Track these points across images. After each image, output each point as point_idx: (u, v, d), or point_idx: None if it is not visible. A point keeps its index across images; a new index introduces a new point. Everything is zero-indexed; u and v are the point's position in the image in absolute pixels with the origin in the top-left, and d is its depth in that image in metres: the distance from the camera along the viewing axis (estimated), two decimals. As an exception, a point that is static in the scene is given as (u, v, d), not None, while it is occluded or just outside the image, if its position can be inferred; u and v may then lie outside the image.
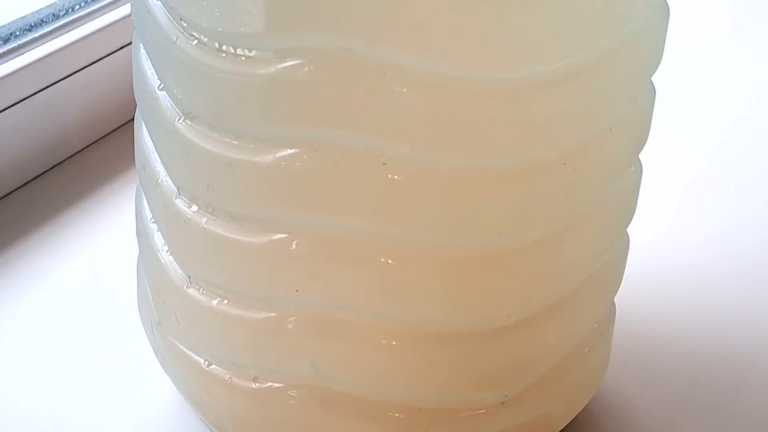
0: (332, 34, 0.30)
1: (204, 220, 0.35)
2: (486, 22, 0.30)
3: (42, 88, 0.53)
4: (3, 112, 0.52)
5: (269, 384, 0.37)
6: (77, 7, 0.57)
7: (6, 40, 0.53)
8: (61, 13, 0.56)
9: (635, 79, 0.36)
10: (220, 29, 0.32)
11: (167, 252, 0.37)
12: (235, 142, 0.33)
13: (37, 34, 0.54)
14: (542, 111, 0.32)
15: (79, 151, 0.56)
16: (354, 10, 0.30)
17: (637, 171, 0.39)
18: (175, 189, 0.35)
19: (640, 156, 0.39)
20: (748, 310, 0.50)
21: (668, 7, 0.36)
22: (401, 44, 0.30)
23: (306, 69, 0.31)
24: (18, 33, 0.54)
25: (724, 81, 0.70)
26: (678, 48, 0.59)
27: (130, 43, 0.38)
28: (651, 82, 0.37)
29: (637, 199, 0.39)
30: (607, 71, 0.34)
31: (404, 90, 0.31)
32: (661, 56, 0.36)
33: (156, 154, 0.36)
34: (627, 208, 0.39)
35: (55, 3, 0.56)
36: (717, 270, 0.52)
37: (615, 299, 0.41)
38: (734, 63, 0.72)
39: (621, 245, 0.40)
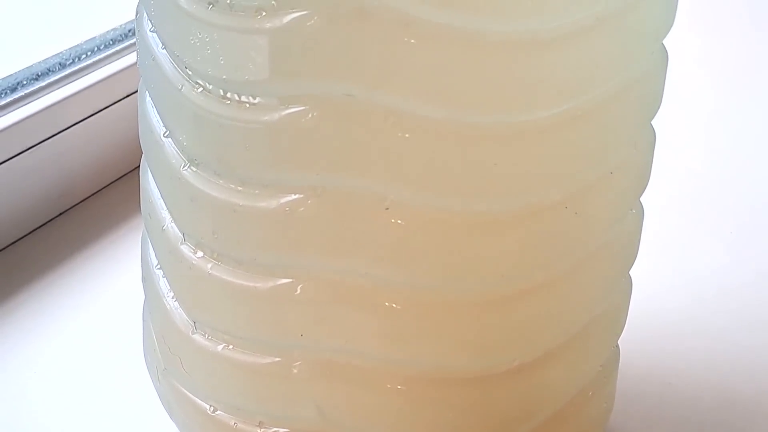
0: (335, 81, 0.31)
1: (209, 265, 0.35)
2: (487, 69, 0.31)
3: (48, 136, 0.54)
4: (10, 161, 0.52)
5: (274, 429, 0.37)
6: (83, 56, 0.57)
7: (13, 89, 0.53)
8: (68, 63, 0.56)
9: (635, 124, 0.36)
10: (224, 77, 0.32)
11: (172, 298, 0.37)
12: (239, 188, 0.33)
13: (44, 83, 0.54)
14: (543, 155, 0.33)
15: (85, 199, 0.57)
16: (356, 58, 0.30)
17: (638, 214, 0.39)
18: (181, 235, 0.36)
19: (642, 199, 0.39)
20: (752, 353, 0.50)
21: (667, 53, 0.36)
22: (403, 90, 0.31)
23: (309, 115, 0.31)
24: (25, 82, 0.54)
25: (724, 124, 0.70)
26: (678, 92, 0.60)
27: (136, 92, 0.38)
28: (651, 126, 0.37)
29: (639, 241, 0.39)
30: (608, 116, 0.34)
31: (406, 135, 0.31)
32: (661, 101, 0.37)
33: (161, 200, 0.37)
34: (629, 251, 0.39)
35: (61, 52, 0.56)
36: (721, 313, 0.52)
37: (619, 342, 0.41)
38: (734, 107, 0.73)
39: (624, 288, 0.40)
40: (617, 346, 0.41)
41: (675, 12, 0.36)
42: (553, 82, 0.32)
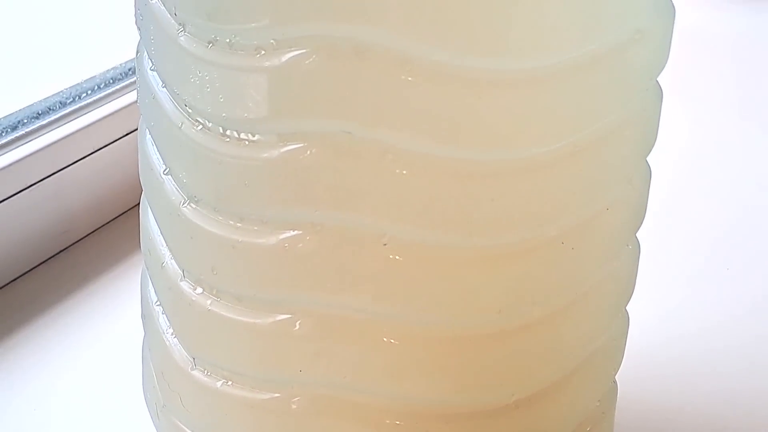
0: (333, 118, 0.31)
1: (209, 302, 0.35)
2: (483, 106, 0.31)
3: (49, 174, 0.54)
4: (11, 199, 0.53)
5: (274, 464, 0.37)
6: (84, 95, 0.58)
7: (14, 128, 0.54)
8: (68, 101, 0.56)
9: (631, 160, 0.36)
10: (224, 114, 0.32)
11: (172, 334, 0.38)
12: (239, 225, 0.33)
13: (44, 122, 0.55)
14: (540, 191, 0.33)
15: (86, 236, 0.57)
16: (354, 96, 0.31)
17: (635, 250, 0.39)
18: (180, 272, 0.36)
19: (638, 235, 0.39)
20: (749, 390, 0.50)
21: (661, 90, 0.37)
22: (400, 128, 0.31)
23: (308, 152, 0.32)
24: (26, 120, 0.54)
25: (719, 159, 0.70)
26: (673, 128, 0.60)
27: (135, 130, 0.38)
28: (646, 162, 0.38)
29: (635, 277, 0.40)
30: (603, 152, 0.34)
31: (404, 172, 0.31)
32: (656, 137, 0.37)
33: (161, 237, 0.37)
34: (626, 287, 0.39)
35: (62, 91, 0.57)
36: (718, 349, 0.52)
37: (617, 377, 0.41)
38: (730, 142, 0.73)
39: (621, 323, 0.40)
40: (615, 381, 0.42)
41: (669, 50, 0.36)
42: (549, 120, 0.32)
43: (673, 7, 0.36)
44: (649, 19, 0.34)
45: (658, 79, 0.36)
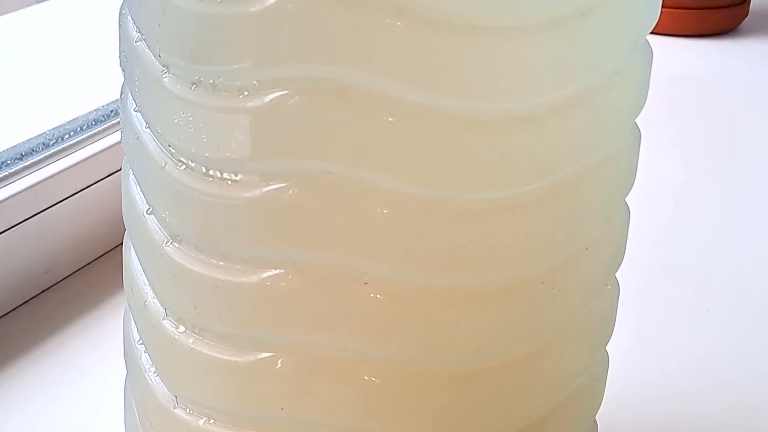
0: (315, 158, 0.31)
1: (191, 340, 0.35)
2: (463, 147, 0.32)
3: (33, 214, 0.54)
4: (-7, 239, 0.53)
5: (255, 503, 0.37)
6: (67, 136, 0.58)
7: (-3, 169, 0.54)
8: (52, 143, 0.57)
9: (610, 201, 0.37)
10: (207, 155, 0.33)
11: (154, 373, 0.38)
12: (221, 263, 0.34)
13: (27, 163, 0.55)
14: (519, 231, 0.33)
15: (68, 276, 0.57)
16: (336, 136, 0.31)
17: (614, 290, 0.40)
18: (163, 310, 0.36)
19: (618, 275, 0.40)
20: (730, 429, 0.50)
21: (639, 131, 0.37)
22: (382, 168, 0.31)
23: (290, 192, 0.32)
24: (9, 162, 0.55)
25: (701, 201, 0.71)
26: (653, 170, 0.61)
27: (118, 171, 0.39)
28: (625, 202, 0.38)
29: (615, 317, 0.40)
30: (582, 192, 0.35)
31: (385, 211, 0.32)
32: (634, 178, 0.38)
33: (144, 276, 0.37)
34: (605, 327, 0.40)
35: (45, 132, 0.57)
36: (699, 389, 0.53)
37: (597, 417, 0.42)
38: (713, 184, 0.74)
39: (600, 363, 0.40)
40: (595, 420, 0.42)
41: (647, 92, 0.37)
42: (527, 160, 0.32)
43: (651, 49, 0.36)
44: (627, 62, 0.35)
45: (636, 120, 0.37)
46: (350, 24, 0.30)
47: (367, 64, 0.30)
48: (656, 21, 0.35)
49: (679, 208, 0.70)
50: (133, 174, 0.37)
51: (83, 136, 0.58)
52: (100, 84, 0.63)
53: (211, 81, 0.32)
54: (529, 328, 0.35)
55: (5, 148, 0.55)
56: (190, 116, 0.33)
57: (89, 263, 0.58)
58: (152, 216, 0.36)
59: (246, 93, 0.31)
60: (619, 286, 0.40)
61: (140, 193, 0.36)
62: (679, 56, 0.93)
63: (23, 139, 0.56)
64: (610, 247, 0.38)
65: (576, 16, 0.32)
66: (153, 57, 0.33)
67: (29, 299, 0.55)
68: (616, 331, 0.40)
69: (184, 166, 0.34)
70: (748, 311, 0.59)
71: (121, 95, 0.37)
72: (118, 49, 0.36)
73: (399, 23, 0.30)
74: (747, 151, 0.80)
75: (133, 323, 0.39)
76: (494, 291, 0.34)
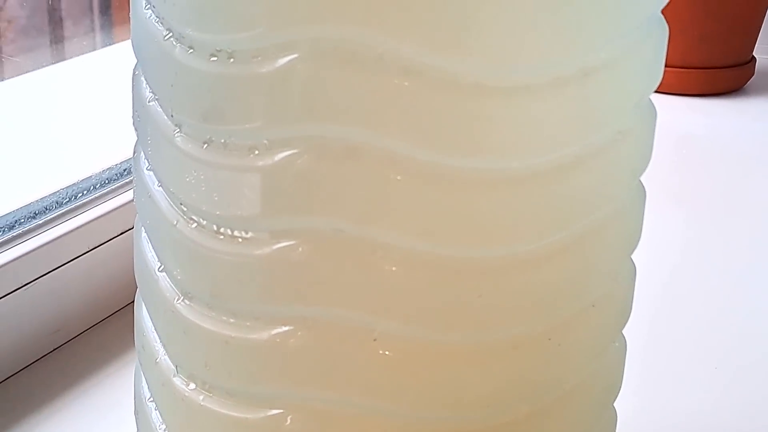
0: (324, 216, 0.32)
1: (201, 397, 0.36)
2: (470, 205, 0.32)
3: (45, 272, 0.55)
4: (5, 297, 0.53)
5: None
6: (80, 195, 0.58)
7: (11, 227, 0.54)
8: (65, 201, 0.57)
9: (615, 258, 0.37)
10: (218, 213, 0.33)
11: (165, 430, 0.38)
12: (231, 320, 0.34)
13: (41, 221, 0.56)
14: (526, 288, 0.34)
15: (80, 334, 0.57)
16: (345, 194, 0.31)
17: (621, 347, 0.40)
18: (174, 367, 0.36)
19: (625, 332, 0.40)
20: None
21: (644, 189, 0.38)
22: (391, 225, 0.32)
23: (300, 249, 0.32)
24: (22, 220, 0.55)
25: (706, 257, 0.71)
26: (659, 228, 0.61)
27: (130, 229, 0.39)
28: (631, 260, 0.38)
29: (622, 374, 0.40)
30: (588, 250, 0.35)
31: (393, 268, 0.32)
32: (640, 235, 0.38)
33: (155, 333, 0.37)
34: (613, 383, 0.40)
35: (58, 191, 0.58)
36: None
37: (605, 474, 0.42)
38: (720, 244, 0.74)
39: (609, 420, 0.41)
40: (604, 477, 0.42)
41: (651, 150, 0.37)
42: (534, 218, 0.33)
43: (655, 108, 0.37)
44: (631, 121, 0.35)
45: (642, 178, 0.37)
46: (359, 84, 0.30)
47: (375, 123, 0.31)
48: (659, 81, 0.36)
49: (685, 266, 0.70)
50: (145, 232, 0.37)
51: (96, 195, 0.59)
52: (113, 143, 0.64)
53: (223, 140, 0.32)
54: (537, 385, 0.35)
55: (19, 206, 0.56)
56: (202, 175, 0.33)
57: (100, 322, 0.59)
58: (163, 273, 0.36)
59: (257, 152, 0.32)
60: (626, 342, 0.40)
61: (152, 250, 0.37)
62: (685, 115, 0.94)
63: (37, 197, 0.57)
64: (617, 304, 0.38)
65: (580, 77, 0.32)
66: (165, 116, 0.34)
67: (39, 358, 0.56)
68: (624, 388, 0.40)
69: (195, 224, 0.34)
70: (758, 368, 0.59)
71: (133, 154, 0.38)
72: (132, 109, 0.37)
73: (406, 83, 0.30)
74: (753, 210, 0.80)
75: (143, 381, 0.39)
76: (502, 347, 0.34)
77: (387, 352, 0.33)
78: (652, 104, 0.37)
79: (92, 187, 0.59)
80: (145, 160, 0.36)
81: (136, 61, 0.36)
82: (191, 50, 0.32)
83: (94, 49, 0.88)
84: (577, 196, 0.34)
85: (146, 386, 0.39)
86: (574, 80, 0.32)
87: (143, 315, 0.38)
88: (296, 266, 0.33)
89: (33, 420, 0.52)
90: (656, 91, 0.36)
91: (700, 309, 0.65)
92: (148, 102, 0.35)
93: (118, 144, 0.63)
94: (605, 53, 0.33)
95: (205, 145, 0.33)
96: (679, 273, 0.69)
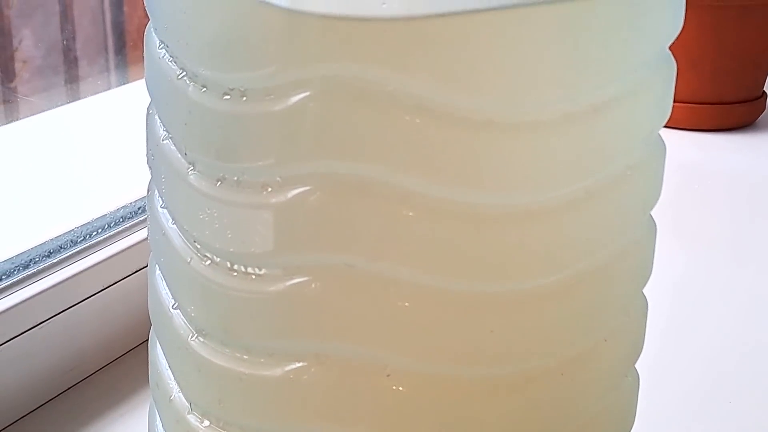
0: (337, 252, 0.32)
1: (215, 433, 0.36)
2: (481, 240, 0.32)
3: (59, 312, 0.55)
4: (20, 336, 0.53)
5: None
6: (95, 233, 0.59)
7: (26, 266, 0.55)
8: (79, 240, 0.58)
9: (627, 292, 0.37)
10: (231, 249, 0.33)
11: (179, 467, 0.38)
12: (245, 357, 0.34)
13: (55, 260, 0.56)
14: (539, 322, 0.34)
15: (95, 373, 0.58)
16: (356, 230, 0.32)
17: (634, 381, 0.40)
18: (188, 404, 0.37)
19: (638, 367, 0.40)
20: None
21: (654, 223, 0.38)
22: (402, 261, 0.32)
23: (313, 285, 0.33)
24: (37, 259, 0.55)
25: (720, 291, 0.71)
26: (670, 262, 0.61)
27: (144, 267, 0.39)
28: (643, 294, 0.39)
29: (635, 408, 0.40)
30: (600, 284, 0.35)
31: (406, 304, 0.32)
32: (651, 269, 0.38)
33: (169, 371, 0.38)
34: (626, 418, 0.40)
35: (73, 230, 0.58)
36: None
37: None
38: (729, 277, 0.74)
39: (622, 454, 0.41)
40: None
41: (661, 185, 0.37)
42: (545, 253, 0.33)
43: (664, 144, 0.37)
44: (641, 156, 0.35)
45: (653, 213, 0.38)
46: (370, 121, 0.31)
47: (387, 159, 0.31)
48: (669, 116, 0.36)
49: (697, 301, 0.70)
50: (160, 269, 0.38)
51: (110, 233, 0.59)
52: (128, 182, 0.64)
53: (236, 178, 0.33)
54: (549, 420, 0.36)
55: (34, 245, 0.56)
56: (215, 212, 0.33)
57: (114, 360, 0.59)
58: (177, 311, 0.36)
59: (269, 189, 0.32)
60: (639, 377, 0.40)
61: (166, 288, 0.37)
62: (697, 150, 0.94)
63: (52, 236, 0.57)
64: (629, 338, 0.38)
65: (589, 112, 0.32)
66: (179, 155, 0.34)
67: (54, 397, 0.56)
68: (637, 423, 0.40)
69: (209, 261, 0.34)
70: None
71: (147, 192, 0.38)
72: (146, 148, 0.37)
73: (418, 120, 0.31)
74: (766, 244, 0.80)
75: (158, 419, 0.39)
76: (514, 382, 0.34)
77: (400, 388, 0.33)
78: (662, 139, 0.37)
79: (107, 226, 0.59)
80: (159, 198, 0.37)
81: (150, 100, 0.37)
82: (204, 89, 0.33)
83: (109, 89, 0.88)
84: (587, 230, 0.34)
85: (161, 424, 0.39)
86: (583, 116, 0.32)
87: (157, 353, 0.39)
88: (309, 302, 0.33)
89: (48, 458, 0.52)
90: (667, 127, 0.36)
91: (712, 344, 0.65)
92: (162, 140, 0.35)
93: (132, 183, 0.63)
94: (614, 89, 0.33)
95: (219, 183, 0.33)
96: (692, 308, 0.69)
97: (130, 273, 0.59)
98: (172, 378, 0.37)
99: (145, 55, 0.36)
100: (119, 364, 0.59)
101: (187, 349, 0.36)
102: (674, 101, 0.37)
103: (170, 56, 0.34)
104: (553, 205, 0.33)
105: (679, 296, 0.69)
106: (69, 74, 0.87)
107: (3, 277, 0.54)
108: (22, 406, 0.54)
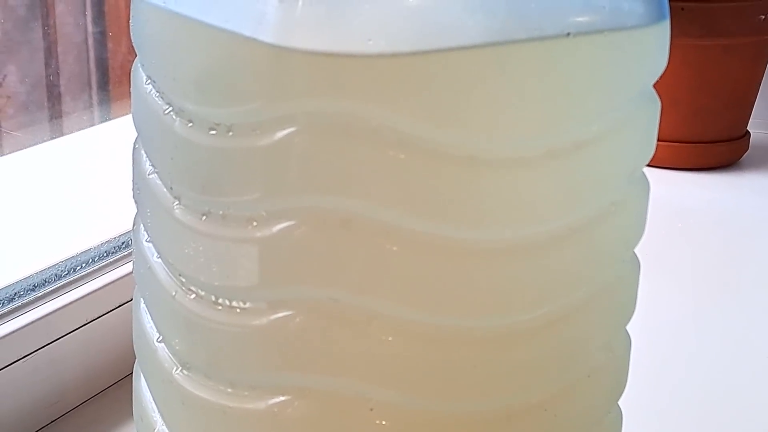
0: (321, 286, 0.32)
1: (198, 467, 0.36)
2: (465, 275, 0.32)
3: (43, 345, 0.55)
4: (4, 369, 0.53)
5: None
6: (79, 267, 0.59)
7: (10, 300, 0.55)
8: (64, 274, 0.58)
9: (611, 328, 0.37)
10: (216, 283, 0.34)
11: (162, 499, 0.38)
12: (229, 390, 0.34)
13: (40, 293, 0.56)
14: (521, 358, 0.34)
15: (78, 406, 0.57)
16: (341, 265, 0.32)
17: (617, 417, 0.40)
18: (171, 438, 0.37)
19: (621, 403, 0.40)
20: None
21: (639, 261, 0.38)
22: (386, 295, 0.32)
23: (297, 319, 0.33)
24: (22, 293, 0.55)
25: (702, 331, 0.71)
26: (654, 299, 0.61)
27: (129, 301, 0.39)
28: (626, 331, 0.39)
29: (618, 445, 0.40)
30: (583, 320, 0.35)
31: (390, 338, 0.33)
32: (635, 306, 0.38)
33: (153, 404, 0.38)
34: (609, 454, 0.40)
35: (57, 264, 0.58)
36: None
37: None
38: (712, 312, 0.74)
39: (606, 490, 0.41)
40: None
41: (645, 222, 0.37)
42: (527, 288, 0.33)
43: (648, 181, 0.37)
44: (624, 193, 0.36)
45: (636, 250, 0.38)
46: (354, 157, 0.31)
47: (371, 194, 0.31)
48: (652, 153, 0.36)
49: (679, 339, 0.70)
50: (144, 303, 0.38)
51: (94, 267, 0.59)
52: (112, 217, 0.64)
53: (221, 212, 0.33)
54: (533, 455, 0.36)
55: (18, 279, 0.56)
56: (200, 246, 0.34)
57: (98, 393, 0.59)
58: (162, 344, 0.36)
59: (255, 223, 0.32)
60: (622, 413, 0.40)
61: (151, 321, 0.37)
62: (680, 189, 0.95)
63: (36, 270, 0.57)
64: (612, 374, 0.38)
65: (572, 149, 0.33)
66: (165, 189, 0.35)
67: (37, 430, 0.56)
68: (620, 459, 0.41)
69: (194, 295, 0.34)
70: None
71: (133, 226, 0.38)
72: (132, 182, 0.37)
73: (402, 156, 0.31)
74: (748, 284, 0.80)
75: (141, 451, 0.39)
76: (497, 418, 0.34)
77: (383, 422, 0.33)
78: (646, 177, 0.37)
79: (91, 260, 0.59)
80: (145, 232, 0.37)
81: (136, 134, 0.37)
82: (191, 124, 0.33)
83: (93, 125, 0.88)
84: (571, 267, 0.34)
85: (144, 457, 0.39)
86: (567, 153, 0.33)
87: (142, 386, 0.39)
88: (293, 336, 0.33)
89: (29, 493, 0.52)
90: (651, 165, 0.37)
91: (695, 381, 0.65)
92: (148, 175, 0.36)
93: (116, 218, 0.63)
94: (597, 127, 0.33)
95: (204, 217, 0.33)
96: (674, 346, 0.69)
97: (114, 307, 0.59)
98: (156, 411, 0.37)
99: (132, 90, 0.36)
100: (103, 397, 0.59)
101: (172, 382, 0.36)
102: (658, 140, 0.37)
103: (157, 91, 0.34)
104: (536, 240, 0.33)
105: (663, 333, 0.69)
106: (53, 110, 0.88)
107: (-13, 310, 0.54)
108: (5, 440, 0.54)
